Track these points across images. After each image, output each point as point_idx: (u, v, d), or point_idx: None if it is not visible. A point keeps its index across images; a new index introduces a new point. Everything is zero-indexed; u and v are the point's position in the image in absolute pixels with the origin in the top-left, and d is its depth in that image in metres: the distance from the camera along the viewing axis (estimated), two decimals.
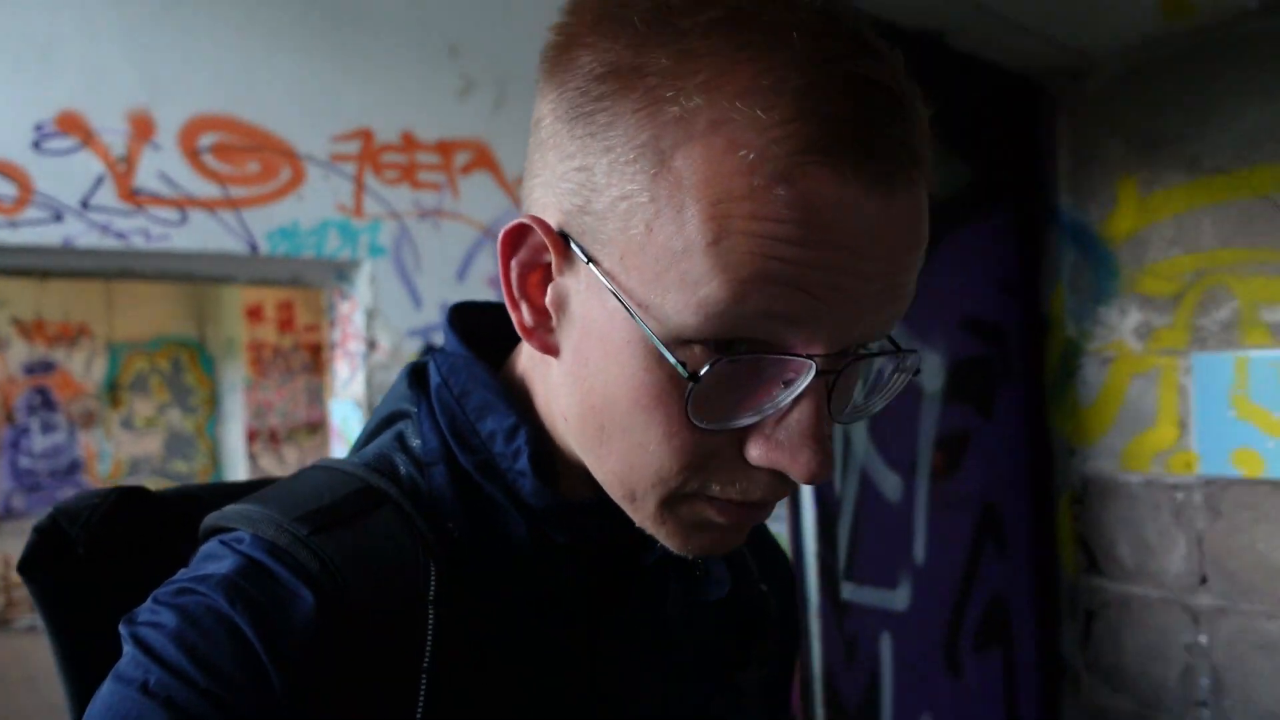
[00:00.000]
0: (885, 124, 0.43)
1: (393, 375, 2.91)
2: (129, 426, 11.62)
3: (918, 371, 0.52)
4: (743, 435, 0.48)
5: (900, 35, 2.36)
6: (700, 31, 0.44)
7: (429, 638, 0.50)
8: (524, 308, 0.52)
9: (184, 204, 2.72)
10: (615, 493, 0.53)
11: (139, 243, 2.61)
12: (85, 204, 2.57)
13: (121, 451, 11.56)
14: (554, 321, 0.52)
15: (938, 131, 0.48)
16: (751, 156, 0.43)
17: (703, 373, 0.45)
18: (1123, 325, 3.09)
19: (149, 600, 0.49)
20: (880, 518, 1.57)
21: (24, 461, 10.93)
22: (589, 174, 0.47)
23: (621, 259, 0.47)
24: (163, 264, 2.70)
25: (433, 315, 2.99)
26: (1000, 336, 2.88)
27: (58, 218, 2.55)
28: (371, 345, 2.98)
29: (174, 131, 2.80)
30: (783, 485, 0.50)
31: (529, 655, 0.55)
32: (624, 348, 0.48)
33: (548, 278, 0.52)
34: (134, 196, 2.49)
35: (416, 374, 0.61)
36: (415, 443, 0.58)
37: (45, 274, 2.47)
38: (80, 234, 2.56)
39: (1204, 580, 2.79)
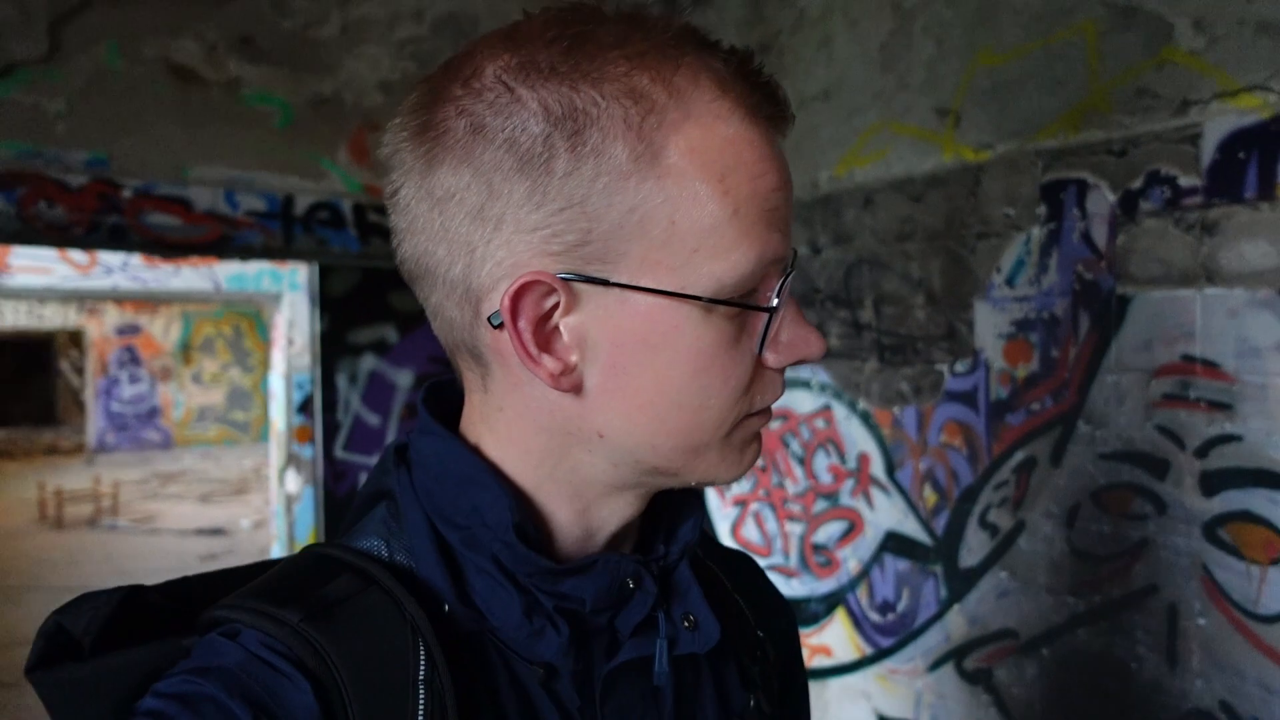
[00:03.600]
0: (773, 82, 0.53)
1: (303, 360, 4.80)
2: (198, 381, 13.91)
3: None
4: (762, 353, 0.54)
5: None
6: (623, 54, 0.50)
7: (420, 719, 0.50)
8: (545, 360, 0.52)
9: (178, 263, 4.68)
10: (681, 459, 0.55)
11: (153, 285, 4.59)
12: (124, 265, 4.55)
13: (191, 401, 13.88)
14: (574, 358, 0.53)
15: None
16: (726, 131, 0.50)
17: (775, 302, 0.53)
18: None
19: (150, 693, 0.49)
20: (365, 435, 2.76)
21: (115, 406, 13.31)
22: (579, 208, 0.49)
23: (643, 262, 0.50)
24: (167, 297, 4.67)
25: (325, 325, 4.93)
26: None
27: (109, 272, 4.52)
28: (290, 342, 4.88)
29: None
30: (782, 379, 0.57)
31: None
32: (671, 333, 0.51)
33: (551, 323, 0.52)
34: (151, 260, 4.46)
35: (397, 454, 0.61)
36: (399, 523, 0.58)
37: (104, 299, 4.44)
38: (122, 282, 4.54)
39: None
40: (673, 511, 0.63)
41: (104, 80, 1.96)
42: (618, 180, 0.49)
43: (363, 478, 0.66)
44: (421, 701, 0.51)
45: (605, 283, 0.51)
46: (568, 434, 0.56)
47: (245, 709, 0.48)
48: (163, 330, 13.72)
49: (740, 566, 0.75)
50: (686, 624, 0.59)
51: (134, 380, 13.55)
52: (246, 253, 2.15)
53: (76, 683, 0.53)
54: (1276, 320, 1.43)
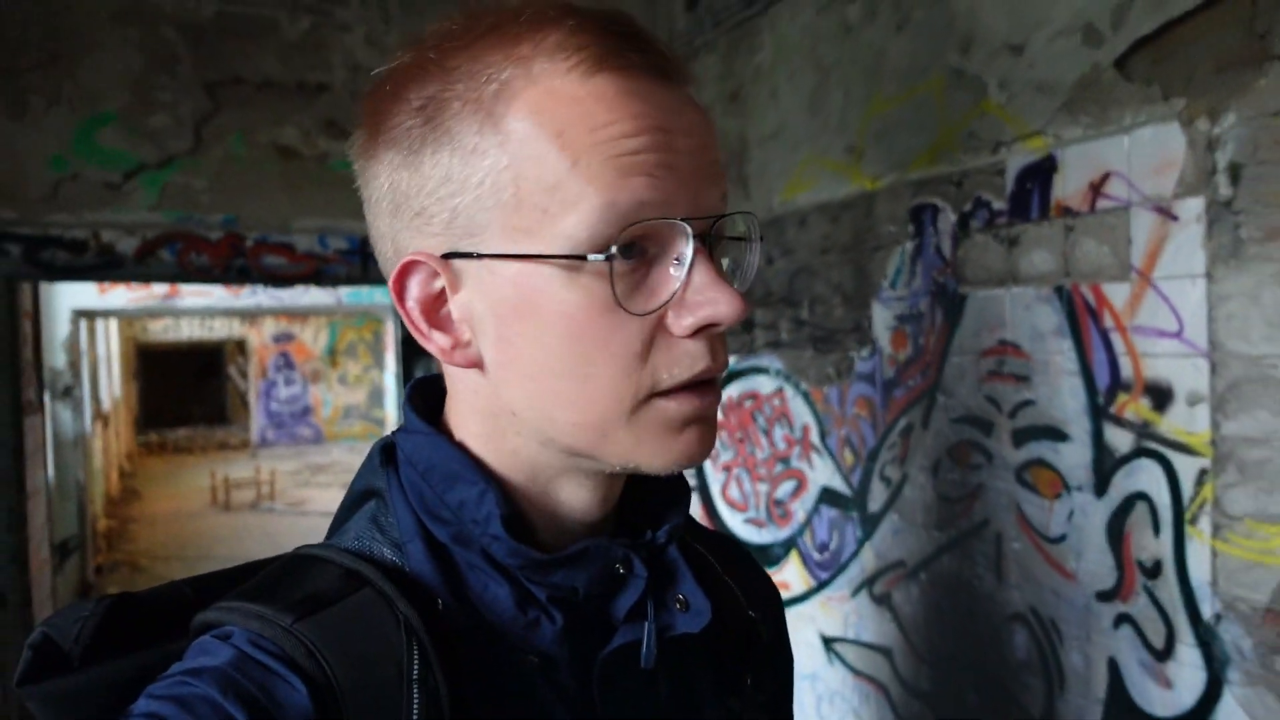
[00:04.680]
0: (642, 37, 0.52)
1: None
2: (344, 382, 15.33)
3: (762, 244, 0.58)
4: (666, 320, 0.52)
5: None
6: (477, 37, 0.52)
7: (415, 717, 0.50)
8: (437, 337, 0.54)
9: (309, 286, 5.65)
10: (587, 438, 0.53)
11: (288, 302, 5.54)
12: (265, 286, 5.52)
13: (338, 400, 15.31)
14: (467, 334, 0.54)
15: None
16: (566, 88, 0.50)
17: (614, 250, 0.49)
18: None
19: (144, 695, 0.49)
20: None
21: (273, 405, 14.89)
22: (444, 188, 0.51)
23: (503, 230, 0.51)
24: (299, 310, 5.60)
25: (405, 330, 5.71)
26: None
27: (254, 293, 5.49)
28: (398, 346, 5.79)
29: None
30: (716, 348, 0.53)
31: None
32: (539, 297, 0.51)
33: (444, 301, 0.53)
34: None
35: (385, 453, 0.61)
36: (389, 521, 0.58)
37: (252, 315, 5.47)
38: (264, 301, 5.50)
39: None
40: (658, 496, 0.63)
41: (232, 162, 2.73)
42: (467, 155, 0.51)
43: None
44: (416, 700, 0.51)
45: (473, 255, 0.52)
46: (494, 415, 0.57)
47: (240, 709, 0.47)
48: (312, 337, 15.13)
49: (729, 550, 0.75)
50: (678, 605, 0.59)
51: (289, 383, 15.05)
52: (334, 281, 2.87)
53: (66, 694, 0.52)
54: (1053, 311, 1.88)
